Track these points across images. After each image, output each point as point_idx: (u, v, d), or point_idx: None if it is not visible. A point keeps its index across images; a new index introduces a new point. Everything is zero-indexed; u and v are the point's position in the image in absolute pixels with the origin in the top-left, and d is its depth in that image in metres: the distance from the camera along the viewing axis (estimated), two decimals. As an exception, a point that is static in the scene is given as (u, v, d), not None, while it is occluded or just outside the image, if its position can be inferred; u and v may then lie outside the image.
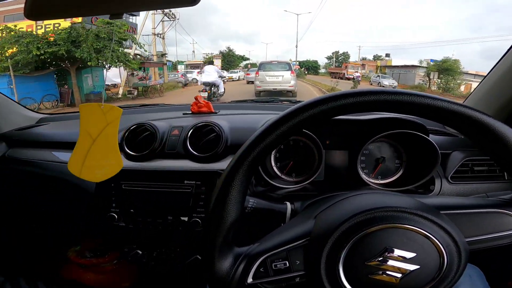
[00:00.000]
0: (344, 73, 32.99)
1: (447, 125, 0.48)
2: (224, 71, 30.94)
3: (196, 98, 1.23)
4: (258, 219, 0.69)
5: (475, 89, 1.06)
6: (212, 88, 8.93)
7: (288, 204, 0.71)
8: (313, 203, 0.63)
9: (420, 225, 0.46)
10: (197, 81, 20.27)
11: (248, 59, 61.59)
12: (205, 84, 8.90)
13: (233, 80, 27.05)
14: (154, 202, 0.93)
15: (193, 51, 37.94)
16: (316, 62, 57.20)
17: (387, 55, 41.96)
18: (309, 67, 53.35)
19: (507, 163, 0.46)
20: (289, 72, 11.99)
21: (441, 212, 0.49)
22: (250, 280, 0.48)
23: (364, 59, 47.50)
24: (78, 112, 1.41)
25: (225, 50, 50.37)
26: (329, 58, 58.06)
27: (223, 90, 9.34)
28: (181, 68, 34.84)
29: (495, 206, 0.50)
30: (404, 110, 0.45)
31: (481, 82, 1.02)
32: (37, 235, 1.40)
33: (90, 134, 0.76)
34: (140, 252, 1.02)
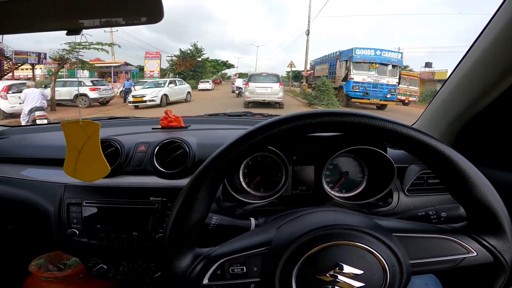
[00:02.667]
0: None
1: (393, 145, 0.52)
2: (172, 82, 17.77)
3: (166, 113, 1.25)
4: (222, 235, 0.70)
5: (425, 109, 1.12)
6: (240, 89, 18.53)
7: (252, 220, 0.74)
8: (278, 217, 0.66)
9: (371, 244, 0.50)
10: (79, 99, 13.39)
11: (232, 66, 52.22)
12: (237, 87, 19.70)
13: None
14: (117, 218, 0.93)
15: (111, 43, 21.40)
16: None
17: (428, 64, 27.75)
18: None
19: (447, 179, 0.52)
20: (278, 84, 12.64)
21: (393, 234, 0.52)
22: (206, 281, 0.51)
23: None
24: (37, 125, 1.39)
25: (188, 50, 35.01)
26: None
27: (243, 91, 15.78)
28: (84, 75, 19.62)
29: (443, 232, 0.54)
30: (360, 132, 0.50)
31: (430, 101, 1.08)
32: None
33: (75, 146, 0.87)
34: (105, 266, 1.01)
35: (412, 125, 1.15)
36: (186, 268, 0.51)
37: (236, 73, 46.06)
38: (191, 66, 33.63)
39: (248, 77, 13.75)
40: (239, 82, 20.25)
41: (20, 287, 1.38)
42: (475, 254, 0.51)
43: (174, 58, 34.78)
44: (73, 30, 0.63)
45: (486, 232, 0.51)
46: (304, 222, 0.55)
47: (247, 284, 0.51)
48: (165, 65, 35.47)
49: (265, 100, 12.42)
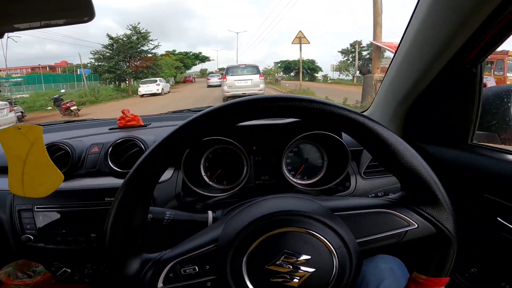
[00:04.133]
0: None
1: (339, 129, 0.53)
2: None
3: (123, 112, 1.24)
4: (179, 230, 0.71)
5: (376, 94, 1.17)
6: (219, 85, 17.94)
7: (210, 213, 0.75)
8: (229, 211, 0.66)
9: (314, 227, 0.50)
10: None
11: (206, 58, 45.05)
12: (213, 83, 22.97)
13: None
14: (72, 221, 0.93)
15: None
16: (313, 62, 42.71)
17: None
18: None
19: (377, 152, 0.54)
20: (258, 75, 12.11)
21: (335, 213, 0.53)
22: (160, 285, 0.51)
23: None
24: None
25: (124, 37, 24.10)
26: (345, 52, 39.37)
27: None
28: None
29: (382, 206, 0.54)
30: (309, 116, 0.51)
31: (380, 86, 1.12)
32: None
33: (18, 157, 0.80)
34: (69, 270, 1.01)
35: (365, 111, 1.19)
36: (137, 275, 0.52)
37: (217, 68, 42.61)
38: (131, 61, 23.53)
39: (225, 70, 12.93)
40: (214, 79, 23.21)
41: None
42: (416, 226, 0.52)
43: (103, 50, 24.15)
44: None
45: (423, 203, 0.52)
46: (246, 215, 0.56)
47: (203, 283, 0.52)
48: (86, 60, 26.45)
49: (245, 93, 11.53)
